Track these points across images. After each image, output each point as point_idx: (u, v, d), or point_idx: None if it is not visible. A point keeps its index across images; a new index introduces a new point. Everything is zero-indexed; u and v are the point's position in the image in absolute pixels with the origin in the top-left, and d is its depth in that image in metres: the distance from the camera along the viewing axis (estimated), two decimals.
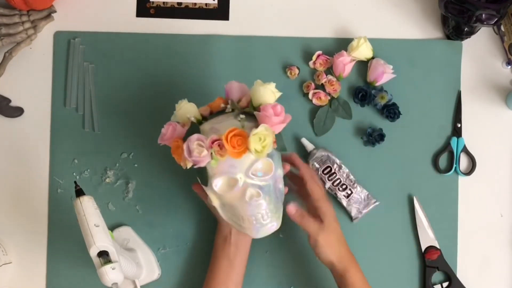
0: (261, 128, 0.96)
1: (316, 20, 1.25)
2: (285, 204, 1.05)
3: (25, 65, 1.25)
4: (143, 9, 1.26)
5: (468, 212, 1.22)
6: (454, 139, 1.22)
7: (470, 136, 1.23)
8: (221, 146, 0.96)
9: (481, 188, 1.22)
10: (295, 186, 1.13)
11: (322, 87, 1.23)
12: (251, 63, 1.23)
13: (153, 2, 1.26)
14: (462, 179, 1.22)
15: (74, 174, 1.23)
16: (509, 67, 1.24)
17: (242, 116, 1.00)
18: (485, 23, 1.16)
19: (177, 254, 1.21)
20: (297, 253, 1.20)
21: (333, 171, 1.19)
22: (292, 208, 1.04)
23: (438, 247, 1.20)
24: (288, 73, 1.23)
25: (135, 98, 1.23)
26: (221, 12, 1.26)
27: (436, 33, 1.25)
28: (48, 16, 1.24)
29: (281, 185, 1.04)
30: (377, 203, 1.20)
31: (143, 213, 1.22)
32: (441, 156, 1.22)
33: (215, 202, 1.02)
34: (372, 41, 1.21)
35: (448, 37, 1.24)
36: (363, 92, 1.21)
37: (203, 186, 1.02)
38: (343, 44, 1.23)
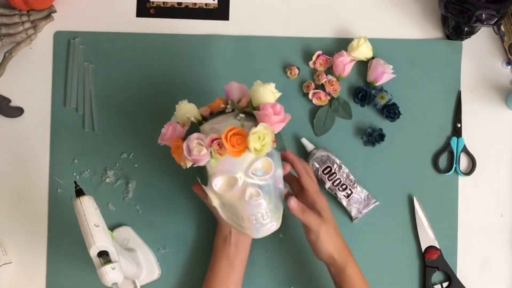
0: (260, 127, 0.96)
1: (316, 20, 1.25)
2: (285, 203, 1.05)
3: (25, 65, 1.25)
4: (143, 9, 1.26)
5: (468, 212, 1.22)
6: (454, 139, 1.22)
7: (470, 136, 1.23)
8: (220, 145, 0.96)
9: (481, 188, 1.22)
10: (290, 182, 1.13)
11: (322, 87, 1.23)
12: (251, 63, 1.23)
13: (153, 2, 1.26)
14: (462, 179, 1.22)
15: (74, 174, 1.23)
16: (509, 67, 1.24)
17: (241, 115, 1.00)
18: (485, 23, 1.16)
19: (177, 254, 1.21)
20: (297, 253, 1.21)
21: (333, 171, 1.19)
22: (294, 202, 1.04)
23: (438, 247, 1.20)
24: (288, 73, 1.23)
25: (135, 98, 1.23)
26: (221, 12, 1.26)
27: (436, 33, 1.25)
28: (48, 16, 1.24)
29: (281, 185, 1.04)
30: (377, 203, 1.20)
31: (143, 213, 1.22)
32: (441, 156, 1.22)
33: (215, 202, 1.02)
34: (372, 41, 1.21)
35: (448, 37, 1.24)
36: (363, 92, 1.21)
37: (203, 186, 1.02)
38: (343, 44, 1.23)
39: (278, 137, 1.01)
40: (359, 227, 1.20)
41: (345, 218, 1.20)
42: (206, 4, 1.26)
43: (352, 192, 1.19)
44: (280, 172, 1.03)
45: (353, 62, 1.22)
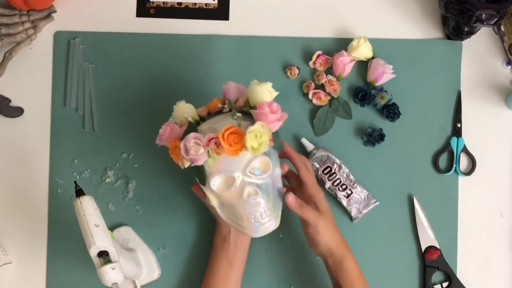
0: (257, 126, 0.96)
1: (316, 20, 1.25)
2: (283, 201, 1.05)
3: (25, 65, 1.25)
4: (143, 9, 1.26)
5: (468, 212, 1.22)
6: (454, 139, 1.22)
7: (470, 136, 1.23)
8: (218, 144, 0.97)
9: (481, 188, 1.22)
10: (288, 178, 1.13)
11: (322, 87, 1.23)
12: (251, 63, 1.23)
13: (153, 2, 1.26)
14: (462, 179, 1.22)
15: (74, 174, 1.23)
16: (509, 67, 1.24)
17: (238, 114, 1.00)
18: (485, 23, 1.16)
19: (177, 254, 1.21)
20: (297, 253, 1.21)
21: (333, 171, 1.19)
22: (291, 198, 1.04)
23: (438, 247, 1.20)
24: (288, 73, 1.23)
25: (135, 98, 1.23)
26: (221, 12, 1.26)
27: (436, 33, 1.25)
28: (48, 16, 1.24)
29: (279, 184, 1.04)
30: (377, 203, 1.20)
31: (143, 213, 1.22)
32: (441, 156, 1.22)
33: (214, 202, 1.02)
34: (372, 41, 1.21)
35: (448, 37, 1.24)
36: (363, 92, 1.21)
37: (202, 186, 1.02)
38: (343, 44, 1.23)
39: (275, 136, 1.01)
40: (359, 227, 1.20)
41: (345, 218, 1.20)
42: (206, 4, 1.26)
43: (352, 192, 1.19)
44: (278, 171, 1.04)
45: (353, 62, 1.22)
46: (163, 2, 1.26)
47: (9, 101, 1.24)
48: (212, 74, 1.23)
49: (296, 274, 1.20)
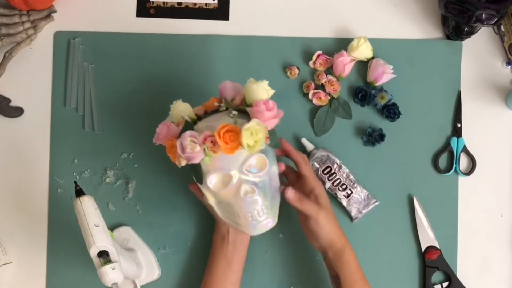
0: (253, 123, 0.97)
1: (316, 20, 1.25)
2: (282, 200, 1.05)
3: (25, 65, 1.25)
4: (143, 9, 1.26)
5: (468, 212, 1.22)
6: (454, 139, 1.22)
7: (470, 136, 1.23)
8: (214, 142, 0.97)
9: (481, 188, 1.22)
10: (286, 173, 1.14)
11: (322, 87, 1.23)
12: (251, 63, 1.23)
13: (153, 2, 1.26)
14: (462, 179, 1.22)
15: (74, 174, 1.23)
16: (509, 67, 1.24)
17: (234, 112, 1.00)
18: (485, 23, 1.16)
19: (177, 254, 1.21)
20: (297, 253, 1.21)
21: (333, 171, 1.19)
22: (291, 192, 1.05)
23: (438, 247, 1.20)
24: (288, 73, 1.23)
25: (135, 98, 1.23)
26: (221, 12, 1.26)
27: (436, 33, 1.25)
28: (48, 16, 1.24)
29: (276, 182, 1.04)
30: (377, 203, 1.20)
31: (143, 213, 1.22)
32: (441, 156, 1.22)
33: (211, 200, 1.03)
34: (372, 41, 1.21)
35: (448, 37, 1.24)
36: (363, 92, 1.21)
37: (199, 185, 1.02)
38: (343, 44, 1.23)
39: (272, 134, 1.01)
40: (359, 227, 1.20)
41: (345, 218, 1.20)
42: (206, 4, 1.26)
43: (352, 192, 1.19)
44: (275, 169, 1.04)
45: (353, 62, 1.22)
46: (163, 2, 1.26)
47: (9, 101, 1.24)
48: (212, 74, 1.23)
49: (296, 274, 1.20)
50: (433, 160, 1.22)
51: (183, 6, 1.26)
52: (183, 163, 1.00)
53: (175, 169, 1.18)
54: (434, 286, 1.20)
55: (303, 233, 1.14)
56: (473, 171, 1.22)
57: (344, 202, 1.19)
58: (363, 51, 1.20)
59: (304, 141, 1.21)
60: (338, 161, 1.19)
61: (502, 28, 1.23)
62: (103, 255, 1.00)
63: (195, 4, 1.26)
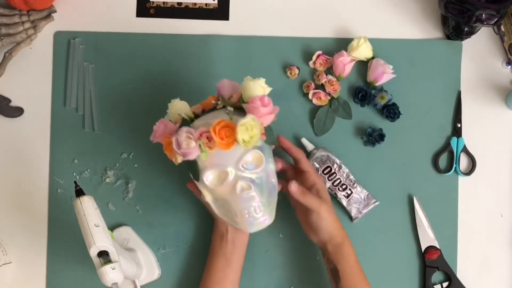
0: (248, 119, 0.97)
1: (316, 20, 1.25)
2: (280, 197, 1.06)
3: (25, 65, 1.25)
4: (143, 9, 1.26)
5: (468, 212, 1.22)
6: (454, 139, 1.22)
7: (470, 136, 1.23)
8: (209, 138, 0.97)
9: (481, 188, 1.22)
10: (286, 169, 1.15)
11: (322, 87, 1.23)
12: (251, 63, 1.23)
13: (153, 2, 1.26)
14: (462, 179, 1.22)
15: (74, 174, 1.23)
16: (509, 67, 1.24)
17: (230, 108, 1.00)
18: (485, 23, 1.16)
19: (177, 254, 1.21)
20: (297, 253, 1.20)
21: (333, 171, 1.19)
22: (294, 186, 1.06)
23: (438, 247, 1.20)
24: (288, 73, 1.23)
25: (135, 98, 1.24)
26: (221, 12, 1.26)
27: (436, 33, 1.25)
28: (48, 16, 1.24)
29: (274, 179, 1.04)
30: (377, 203, 1.20)
31: (143, 213, 1.22)
32: (441, 156, 1.22)
33: (208, 198, 1.03)
34: (372, 41, 1.21)
35: (448, 37, 1.24)
36: (363, 92, 1.21)
37: (196, 182, 1.03)
38: (343, 44, 1.23)
39: (268, 130, 1.02)
40: (359, 227, 1.20)
41: (345, 218, 1.20)
42: (206, 4, 1.26)
43: (352, 192, 1.19)
44: (272, 167, 1.04)
45: (353, 62, 1.22)
46: (163, 2, 1.26)
47: (9, 101, 1.24)
48: (212, 74, 1.23)
49: (296, 274, 1.20)
50: (433, 160, 1.22)
51: (183, 6, 1.26)
52: (179, 159, 1.00)
53: (175, 169, 1.18)
54: (434, 286, 1.20)
55: (303, 233, 1.14)
56: (473, 171, 1.22)
57: (344, 202, 1.19)
58: (363, 51, 1.20)
59: (304, 141, 1.21)
60: (338, 161, 1.19)
61: (502, 28, 1.23)
62: (103, 255, 1.00)
63: (195, 4, 1.26)
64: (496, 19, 1.15)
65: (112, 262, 0.99)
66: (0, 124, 1.24)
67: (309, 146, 1.21)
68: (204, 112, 1.05)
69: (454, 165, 1.21)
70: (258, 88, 1.02)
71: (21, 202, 1.23)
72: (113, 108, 1.23)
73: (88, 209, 1.02)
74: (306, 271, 1.20)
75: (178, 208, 1.22)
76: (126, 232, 1.20)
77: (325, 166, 1.19)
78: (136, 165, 1.23)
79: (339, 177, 1.19)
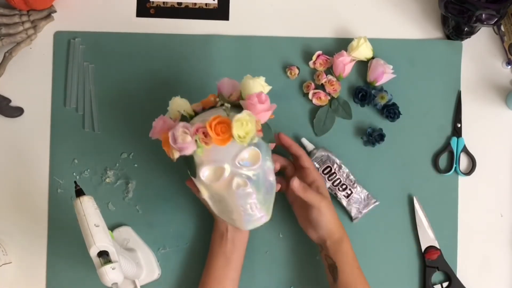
0: (243, 114, 0.97)
1: (316, 20, 1.25)
2: (281, 197, 1.06)
3: (25, 65, 1.25)
4: (143, 9, 1.26)
5: (468, 212, 1.22)
6: (454, 139, 1.22)
7: (470, 136, 1.23)
8: (205, 134, 0.98)
9: (481, 188, 1.22)
10: (286, 166, 1.16)
11: (322, 87, 1.23)
12: (251, 63, 1.23)
13: (153, 2, 1.26)
14: (462, 179, 1.22)
15: (74, 174, 1.23)
16: (509, 67, 1.24)
17: (227, 105, 1.01)
18: (485, 23, 1.16)
19: (177, 254, 1.21)
20: (297, 253, 1.20)
21: (333, 171, 1.19)
22: (296, 182, 1.07)
23: (438, 247, 1.20)
24: (288, 73, 1.23)
25: (135, 98, 1.23)
26: (221, 12, 1.26)
27: (436, 33, 1.25)
28: (48, 16, 1.24)
29: (271, 177, 1.05)
30: (377, 203, 1.20)
31: (143, 213, 1.22)
32: (441, 156, 1.22)
33: (205, 194, 1.03)
34: (372, 41, 1.21)
35: (448, 37, 1.24)
36: (363, 92, 1.21)
37: (193, 179, 1.03)
38: (343, 44, 1.23)
39: (265, 128, 1.02)
40: (359, 227, 1.20)
41: (345, 218, 1.20)
42: (206, 4, 1.26)
43: (352, 192, 1.19)
44: (270, 165, 1.04)
45: (353, 62, 1.22)
46: (163, 2, 1.26)
47: (9, 101, 1.24)
48: (212, 74, 1.23)
49: (296, 274, 1.20)
50: (433, 160, 1.22)
51: (183, 6, 1.26)
52: (176, 155, 1.00)
53: (175, 169, 1.18)
54: (434, 286, 1.20)
55: (303, 233, 1.14)
56: (473, 171, 1.22)
57: (344, 202, 1.19)
58: (363, 51, 1.20)
59: (304, 141, 1.21)
60: (338, 161, 1.19)
61: (502, 28, 1.23)
62: (103, 255, 1.00)
63: (195, 4, 1.26)
64: (496, 19, 1.15)
65: (112, 262, 0.99)
66: (0, 124, 1.24)
67: (309, 146, 1.21)
68: (204, 110, 1.06)
69: (454, 165, 1.21)
70: (258, 86, 1.02)
71: (21, 202, 1.23)
72: (113, 108, 1.23)
73: (88, 209, 1.02)
74: (306, 271, 1.20)
75: (178, 208, 1.22)
76: (126, 232, 1.20)
77: (325, 166, 1.19)
78: (136, 165, 1.23)
79: (339, 177, 1.19)
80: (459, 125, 1.22)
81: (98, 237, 0.99)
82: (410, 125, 1.22)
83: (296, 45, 1.24)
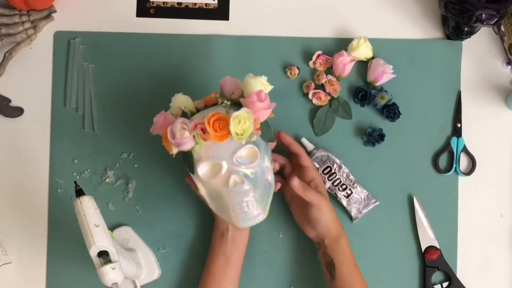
0: (241, 111, 0.98)
1: (316, 20, 1.25)
2: (280, 197, 1.06)
3: (25, 65, 1.25)
4: (143, 9, 1.26)
5: (468, 212, 1.22)
6: (454, 139, 1.22)
7: (470, 136, 1.23)
8: (204, 130, 0.98)
9: (481, 188, 1.22)
10: (284, 164, 1.17)
11: (322, 87, 1.23)
12: (251, 63, 1.23)
13: (153, 2, 1.26)
14: (462, 179, 1.22)
15: (74, 174, 1.23)
16: (509, 67, 1.24)
17: (226, 102, 1.01)
18: (485, 23, 1.16)
19: (177, 254, 1.21)
20: (297, 253, 1.20)
21: (333, 171, 1.19)
22: (296, 181, 1.08)
23: (438, 247, 1.20)
24: (288, 73, 1.23)
25: (135, 98, 1.23)
26: (221, 12, 1.26)
27: (436, 33, 1.25)
28: (48, 16, 1.24)
29: (269, 176, 1.05)
30: (377, 203, 1.20)
31: (143, 213, 1.22)
32: (441, 156, 1.22)
33: (202, 190, 1.04)
34: (372, 41, 1.21)
35: (448, 37, 1.24)
36: (363, 92, 1.21)
37: (191, 175, 1.03)
38: (343, 44, 1.23)
39: (265, 126, 1.02)
40: (359, 227, 1.20)
41: (345, 218, 1.20)
42: (206, 4, 1.26)
43: (352, 192, 1.19)
44: (268, 164, 1.04)
45: (353, 62, 1.22)
46: (163, 2, 1.26)
47: (9, 101, 1.24)
48: (212, 74, 1.23)
49: (296, 274, 1.20)
50: (433, 160, 1.22)
51: (183, 6, 1.26)
52: (175, 150, 1.01)
53: (175, 169, 1.18)
54: (434, 286, 1.20)
55: (303, 233, 1.14)
56: (473, 171, 1.22)
57: (344, 202, 1.19)
58: (363, 51, 1.20)
59: (304, 141, 1.21)
60: (338, 161, 1.19)
61: (502, 28, 1.23)
62: (103, 255, 1.00)
63: (195, 4, 1.26)
64: (496, 19, 1.15)
65: (112, 262, 0.99)
66: (0, 124, 1.24)
67: (309, 146, 1.21)
68: (206, 107, 1.06)
69: (454, 165, 1.21)
70: (259, 85, 1.03)
71: (21, 202, 1.23)
72: (113, 108, 1.23)
73: (88, 209, 1.02)
74: (306, 271, 1.20)
75: (178, 208, 1.22)
76: (126, 232, 1.20)
77: (325, 166, 1.19)
78: (136, 165, 1.23)
79: (339, 177, 1.19)
80: (459, 125, 1.22)
81: (98, 237, 0.99)
82: (410, 125, 1.22)
83: (296, 45, 1.24)
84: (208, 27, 1.26)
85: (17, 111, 1.24)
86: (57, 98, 1.24)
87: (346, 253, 1.10)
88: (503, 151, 1.23)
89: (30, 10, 1.23)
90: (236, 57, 1.23)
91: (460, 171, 1.22)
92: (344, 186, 1.19)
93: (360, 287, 1.09)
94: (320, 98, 1.22)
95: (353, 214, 1.19)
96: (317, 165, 1.19)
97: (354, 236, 1.16)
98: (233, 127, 0.97)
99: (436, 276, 1.20)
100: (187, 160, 1.02)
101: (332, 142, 1.22)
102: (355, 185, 1.19)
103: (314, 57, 1.23)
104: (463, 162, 1.23)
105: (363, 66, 1.23)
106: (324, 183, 1.19)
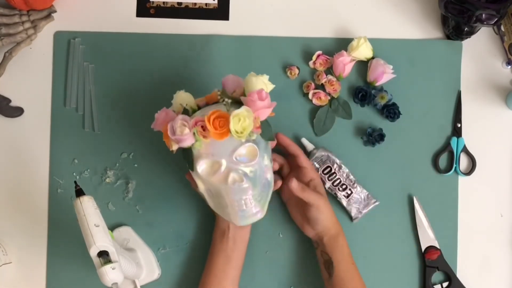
0: (241, 110, 0.98)
1: (316, 20, 1.25)
2: (275, 193, 1.06)
3: (25, 65, 1.25)
4: (143, 9, 1.26)
5: (468, 212, 1.22)
6: (454, 139, 1.22)
7: (470, 136, 1.23)
8: (204, 128, 0.99)
9: (481, 188, 1.22)
10: (283, 164, 1.17)
11: (322, 87, 1.23)
12: (251, 63, 1.23)
13: (153, 2, 1.26)
14: (462, 179, 1.22)
15: (74, 174, 1.23)
16: (509, 67, 1.24)
17: (227, 100, 1.01)
18: (485, 23, 1.16)
19: (177, 254, 1.21)
20: (297, 253, 1.20)
21: (333, 171, 1.19)
22: (295, 183, 1.08)
23: (438, 247, 1.20)
24: (288, 73, 1.23)
25: (135, 98, 1.23)
26: (221, 12, 1.26)
27: (436, 33, 1.25)
28: (48, 16, 1.24)
29: (269, 175, 1.05)
30: (377, 203, 1.20)
31: (143, 213, 1.22)
32: (441, 156, 1.22)
33: (201, 188, 1.04)
34: (372, 41, 1.21)
35: (448, 37, 1.24)
36: (363, 92, 1.21)
37: (191, 172, 1.03)
38: (343, 44, 1.23)
39: (265, 125, 1.02)
40: (359, 227, 1.20)
41: (345, 218, 1.20)
42: (206, 4, 1.26)
43: (352, 192, 1.19)
44: (268, 163, 1.04)
45: (353, 62, 1.22)
46: (163, 2, 1.26)
47: (9, 101, 1.24)
48: (212, 74, 1.23)
49: (296, 274, 1.20)
50: (433, 160, 1.22)
51: (183, 6, 1.26)
52: (175, 147, 1.01)
53: (176, 169, 1.18)
54: (434, 286, 1.20)
55: (303, 233, 1.14)
56: (473, 171, 1.22)
57: (344, 202, 1.19)
58: (363, 51, 1.20)
59: (304, 141, 1.21)
60: (338, 161, 1.19)
61: (502, 28, 1.23)
62: (103, 255, 1.00)
63: (195, 4, 1.26)
64: (496, 19, 1.15)
65: (112, 262, 0.99)
66: (0, 124, 1.24)
67: (309, 146, 1.21)
68: (208, 105, 1.06)
69: (454, 165, 1.21)
70: (260, 84, 1.03)
71: (21, 202, 1.23)
72: (113, 108, 1.23)
73: (88, 209, 1.02)
74: (306, 271, 1.20)
75: (178, 208, 1.22)
76: (126, 232, 1.20)
77: (325, 166, 1.19)
78: (136, 165, 1.23)
79: (339, 177, 1.19)
80: (459, 125, 1.22)
81: (98, 237, 0.99)
82: (410, 125, 1.22)
83: (296, 45, 1.24)
84: (208, 27, 1.26)
85: (17, 111, 1.24)
86: (57, 98, 1.24)
87: (344, 251, 1.11)
88: (503, 151, 1.23)
89: (30, 10, 1.23)
90: (236, 57, 1.23)
91: (460, 171, 1.22)
92: (344, 186, 1.19)
93: (358, 285, 1.09)
94: (320, 98, 1.22)
95: (353, 214, 1.19)
96: (317, 165, 1.19)
97: (354, 236, 1.16)
98: (233, 125, 0.97)
99: (436, 276, 1.20)
100: (187, 157, 1.02)
101: (332, 142, 1.22)
102: (355, 185, 1.19)
103: (314, 57, 1.23)
104: (463, 162, 1.23)
105: (363, 66, 1.23)
106: (324, 183, 1.19)
